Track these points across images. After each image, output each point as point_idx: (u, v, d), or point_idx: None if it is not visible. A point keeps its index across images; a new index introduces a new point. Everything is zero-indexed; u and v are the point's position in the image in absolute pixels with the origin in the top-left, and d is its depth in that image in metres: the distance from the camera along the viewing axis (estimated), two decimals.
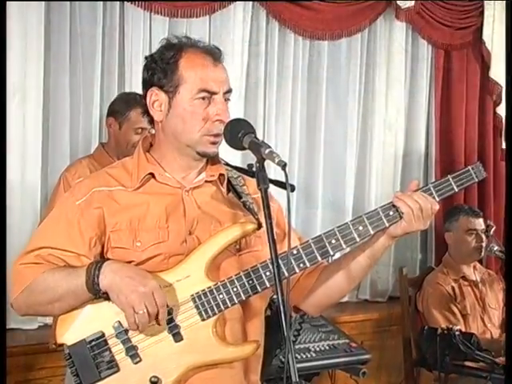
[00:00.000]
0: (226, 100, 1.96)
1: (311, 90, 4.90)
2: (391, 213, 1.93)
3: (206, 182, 2.01)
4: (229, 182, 2.05)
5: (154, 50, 4.34)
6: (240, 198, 2.03)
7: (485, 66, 5.45)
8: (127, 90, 4.11)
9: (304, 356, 3.21)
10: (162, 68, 1.95)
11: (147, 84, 2.00)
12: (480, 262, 4.40)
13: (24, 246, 3.80)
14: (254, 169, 1.80)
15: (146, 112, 2.03)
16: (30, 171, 3.87)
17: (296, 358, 3.08)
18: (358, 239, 1.92)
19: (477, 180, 1.98)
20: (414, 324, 4.14)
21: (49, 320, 3.87)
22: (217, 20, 4.45)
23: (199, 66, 1.94)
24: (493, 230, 4.24)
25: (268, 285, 1.89)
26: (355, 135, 5.06)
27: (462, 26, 5.33)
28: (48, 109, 3.98)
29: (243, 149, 1.86)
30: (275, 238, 1.76)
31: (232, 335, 1.93)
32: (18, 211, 3.83)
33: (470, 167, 1.98)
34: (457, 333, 3.66)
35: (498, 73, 5.35)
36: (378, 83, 5.11)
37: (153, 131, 2.08)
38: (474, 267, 4.28)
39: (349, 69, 5.00)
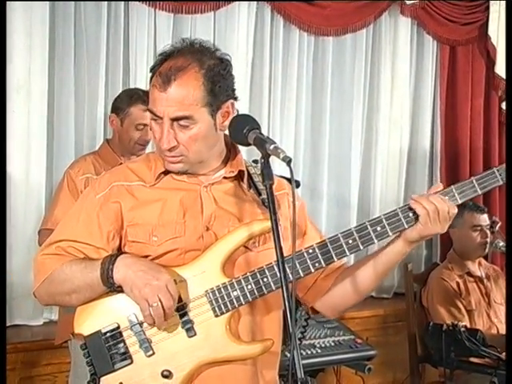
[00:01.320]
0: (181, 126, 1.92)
1: (316, 86, 4.90)
2: (411, 214, 1.89)
3: (225, 178, 2.01)
4: (250, 178, 2.04)
5: (158, 46, 4.41)
6: (260, 194, 2.02)
7: (490, 61, 5.44)
8: (132, 86, 4.11)
9: (309, 352, 3.21)
10: None
11: None
12: (485, 257, 4.39)
13: (28, 244, 3.84)
14: (259, 165, 1.79)
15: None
16: (34, 168, 3.87)
17: (301, 354, 3.08)
18: (375, 240, 1.89)
19: (502, 183, 1.94)
20: (419, 320, 4.13)
21: (54, 316, 3.89)
22: (221, 16, 4.45)
23: (152, 87, 1.94)
24: (498, 225, 4.23)
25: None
26: (360, 131, 5.05)
27: (468, 22, 5.32)
28: (53, 105, 3.98)
29: (248, 144, 1.85)
30: (281, 235, 1.74)
31: (247, 332, 1.93)
32: (23, 208, 3.84)
33: (495, 169, 1.94)
34: (462, 329, 3.66)
35: (503, 68, 5.34)
36: (383, 79, 5.10)
37: None
38: (479, 263, 4.27)
39: (354, 65, 4.99)
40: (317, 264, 1.89)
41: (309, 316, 3.04)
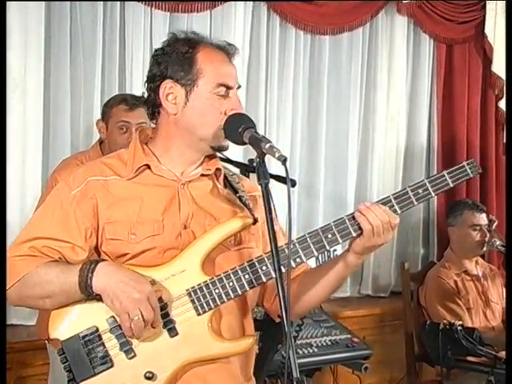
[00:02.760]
0: None
1: (312, 84, 4.89)
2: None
3: (202, 175, 2.00)
4: (225, 177, 2.05)
5: (154, 45, 4.39)
6: (236, 193, 2.02)
7: (487, 60, 5.44)
8: (128, 85, 4.12)
9: (306, 351, 3.21)
10: (177, 61, 1.94)
11: (159, 77, 1.97)
12: (482, 256, 4.40)
13: None
14: (255, 164, 1.79)
15: (149, 106, 2.02)
16: (30, 167, 3.86)
17: (298, 353, 3.08)
18: (354, 234, 1.90)
19: (471, 176, 1.98)
20: (416, 319, 4.13)
21: None
22: (218, 15, 4.44)
23: (218, 62, 1.95)
24: (495, 224, 4.23)
25: (264, 279, 1.88)
26: (357, 129, 5.05)
27: (464, 20, 5.32)
28: (49, 104, 3.97)
29: (244, 143, 1.85)
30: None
31: (228, 330, 1.92)
32: (18, 207, 3.83)
33: (465, 163, 1.99)
34: (459, 328, 3.65)
35: (500, 67, 5.34)
36: (380, 77, 5.10)
37: (152, 125, 2.07)
38: (476, 262, 4.27)
39: (350, 63, 4.99)
40: (298, 259, 1.89)
41: (304, 315, 3.04)
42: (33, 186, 3.89)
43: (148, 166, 1.97)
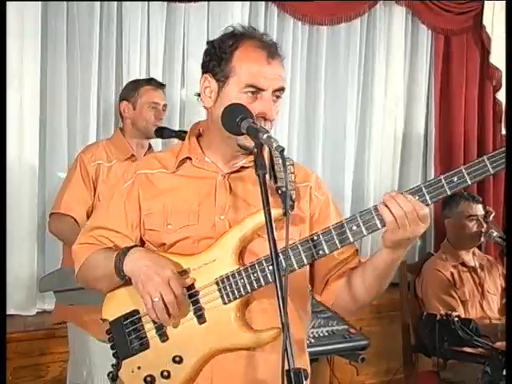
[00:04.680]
0: (277, 97, 1.96)
1: (310, 75, 4.88)
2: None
3: (243, 167, 2.00)
4: (272, 167, 2.01)
5: (151, 36, 4.40)
6: (276, 183, 1.99)
7: (485, 51, 5.43)
8: (124, 75, 4.12)
9: None
10: (218, 56, 1.95)
11: (202, 69, 2.00)
12: (479, 247, 4.39)
13: (22, 229, 3.86)
14: (253, 154, 1.78)
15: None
16: (27, 156, 3.87)
17: None
18: (379, 226, 1.81)
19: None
20: (413, 310, 4.14)
21: (47, 306, 3.89)
22: (215, 5, 4.43)
23: (252, 60, 1.92)
24: (492, 215, 4.23)
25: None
26: (354, 121, 5.04)
27: (462, 11, 5.30)
28: (45, 94, 3.98)
29: (241, 134, 1.85)
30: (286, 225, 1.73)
31: (258, 320, 1.92)
32: (16, 195, 3.83)
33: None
34: (455, 319, 3.65)
35: (497, 58, 5.33)
36: (378, 68, 5.09)
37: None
38: (473, 253, 4.27)
39: (348, 54, 4.98)
40: (321, 251, 1.85)
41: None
42: (30, 176, 3.89)
43: (189, 159, 2.01)
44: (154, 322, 1.93)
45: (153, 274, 1.85)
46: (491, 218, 4.21)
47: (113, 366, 1.99)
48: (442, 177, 1.77)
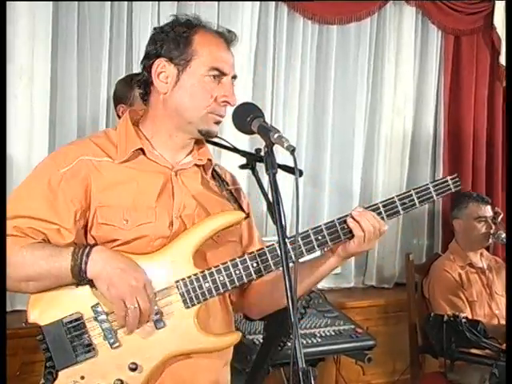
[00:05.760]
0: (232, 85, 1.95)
1: (319, 74, 4.87)
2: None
3: (194, 165, 1.99)
4: (213, 169, 2.03)
5: None
6: (225, 186, 2.02)
7: (495, 51, 5.41)
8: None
9: (309, 341, 3.21)
10: (173, 40, 1.92)
11: (153, 55, 1.97)
12: (487, 249, 4.39)
13: None
14: (263, 153, 1.79)
15: (141, 85, 2.00)
16: (36, 154, 3.85)
17: (302, 343, 3.08)
18: (342, 238, 1.92)
19: (453, 191, 2.02)
20: (420, 310, 4.13)
21: None
22: (225, 4, 4.42)
23: (214, 45, 1.93)
24: (500, 217, 4.22)
25: (254, 276, 1.88)
26: (363, 120, 5.03)
27: (473, 12, 5.28)
28: (55, 91, 3.97)
29: (252, 133, 1.85)
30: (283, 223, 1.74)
31: (216, 324, 1.92)
32: None
33: (448, 178, 2.03)
34: (463, 320, 3.65)
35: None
36: (387, 68, 5.07)
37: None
38: (481, 254, 4.27)
39: (357, 54, 4.97)
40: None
41: (308, 305, 3.04)
42: None
43: (142, 151, 1.93)
44: (103, 328, 1.80)
45: (128, 278, 1.75)
46: (500, 219, 4.20)
47: (44, 376, 1.80)
48: (395, 198, 1.97)
